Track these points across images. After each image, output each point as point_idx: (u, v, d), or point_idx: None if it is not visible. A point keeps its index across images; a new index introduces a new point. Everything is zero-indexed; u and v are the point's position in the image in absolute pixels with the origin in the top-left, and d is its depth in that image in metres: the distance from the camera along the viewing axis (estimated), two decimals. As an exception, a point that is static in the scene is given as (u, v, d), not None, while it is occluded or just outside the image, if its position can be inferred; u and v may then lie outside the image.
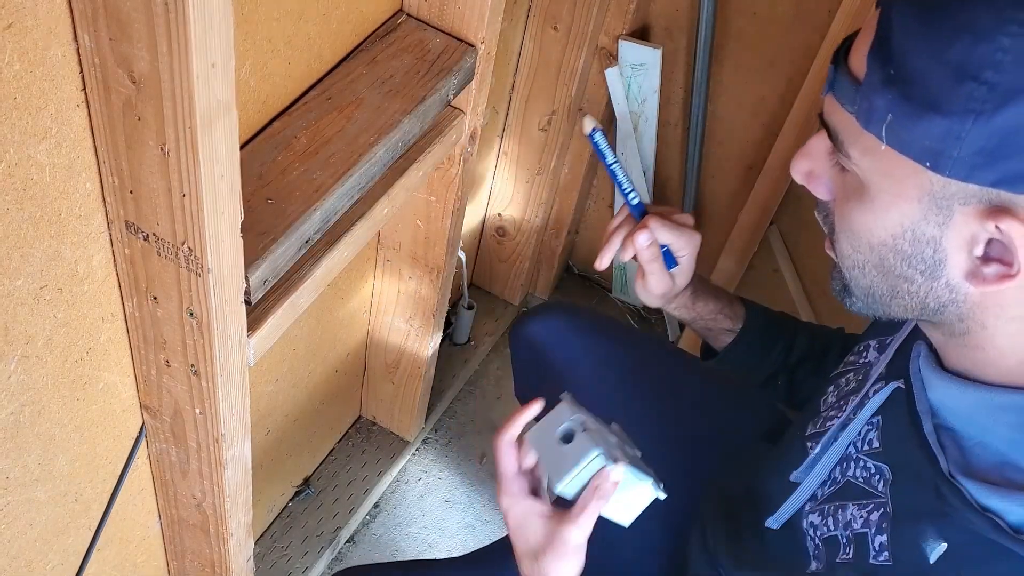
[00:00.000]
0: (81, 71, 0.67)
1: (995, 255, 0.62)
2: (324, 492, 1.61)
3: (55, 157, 0.70)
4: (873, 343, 0.91)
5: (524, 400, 1.37)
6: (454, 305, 1.83)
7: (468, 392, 1.84)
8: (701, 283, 1.07)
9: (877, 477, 0.79)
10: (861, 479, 0.80)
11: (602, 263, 1.01)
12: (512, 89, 1.60)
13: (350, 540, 1.62)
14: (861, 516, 0.79)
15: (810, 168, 0.72)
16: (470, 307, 1.81)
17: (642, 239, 0.98)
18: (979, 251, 0.62)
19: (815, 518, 0.85)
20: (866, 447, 0.81)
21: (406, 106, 1.01)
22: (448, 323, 1.80)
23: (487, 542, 1.65)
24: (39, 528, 0.93)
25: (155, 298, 0.82)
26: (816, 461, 0.85)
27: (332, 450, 1.67)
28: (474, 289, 1.94)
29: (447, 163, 1.20)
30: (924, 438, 0.72)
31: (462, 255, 1.58)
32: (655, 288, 1.02)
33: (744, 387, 1.26)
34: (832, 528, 0.82)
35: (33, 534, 0.93)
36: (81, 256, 0.78)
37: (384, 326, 1.50)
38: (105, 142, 0.71)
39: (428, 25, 1.08)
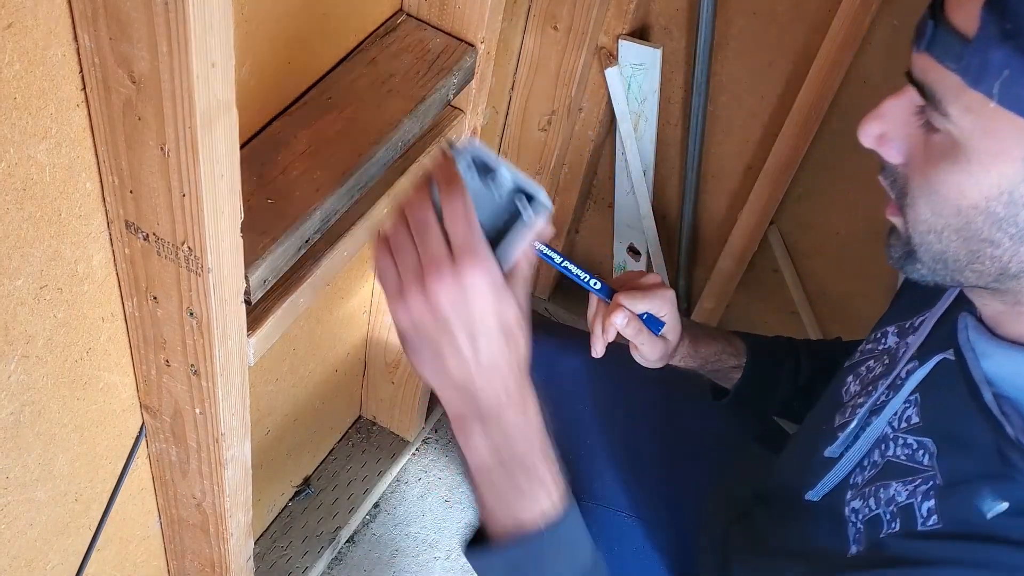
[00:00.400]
0: (81, 71, 0.67)
1: None
2: (324, 492, 1.61)
3: (55, 157, 0.70)
4: (891, 328, 0.90)
5: None
6: (454, 305, 1.82)
7: (468, 392, 1.84)
8: (696, 328, 1.08)
9: (921, 452, 0.78)
10: (903, 457, 0.79)
11: (597, 351, 1.01)
12: (512, 89, 1.60)
13: (350, 540, 1.62)
14: (906, 490, 0.77)
15: (883, 131, 0.70)
16: (470, 307, 1.80)
17: (619, 320, 0.98)
18: None
19: (856, 503, 0.83)
20: (904, 424, 0.81)
21: (406, 106, 1.01)
22: (448, 323, 1.80)
23: (487, 542, 1.65)
24: (39, 528, 0.93)
25: (155, 298, 0.82)
26: (853, 437, 0.84)
27: (332, 450, 1.66)
28: (474, 289, 1.93)
29: (447, 163, 1.20)
30: (985, 407, 0.71)
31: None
32: (651, 354, 1.02)
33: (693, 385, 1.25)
34: (874, 507, 0.80)
35: (33, 534, 0.93)
36: (81, 256, 0.78)
37: (384, 326, 1.50)
38: (105, 142, 0.71)
39: (428, 25, 1.08)
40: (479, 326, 0.66)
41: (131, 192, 0.74)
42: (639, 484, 1.15)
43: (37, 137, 0.67)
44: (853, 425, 0.85)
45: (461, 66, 1.06)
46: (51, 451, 0.88)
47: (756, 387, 1.10)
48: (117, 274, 0.83)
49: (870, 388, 0.86)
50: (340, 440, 1.68)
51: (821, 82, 1.41)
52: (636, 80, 1.56)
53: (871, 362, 0.90)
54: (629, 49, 1.53)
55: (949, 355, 0.77)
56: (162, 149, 0.68)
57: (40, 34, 0.63)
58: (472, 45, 1.08)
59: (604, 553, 0.81)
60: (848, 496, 0.84)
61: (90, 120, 0.70)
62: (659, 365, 1.05)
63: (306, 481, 1.61)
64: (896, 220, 0.73)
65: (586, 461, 1.16)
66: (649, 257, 1.84)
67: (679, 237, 1.79)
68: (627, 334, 0.99)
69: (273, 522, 1.56)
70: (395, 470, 1.69)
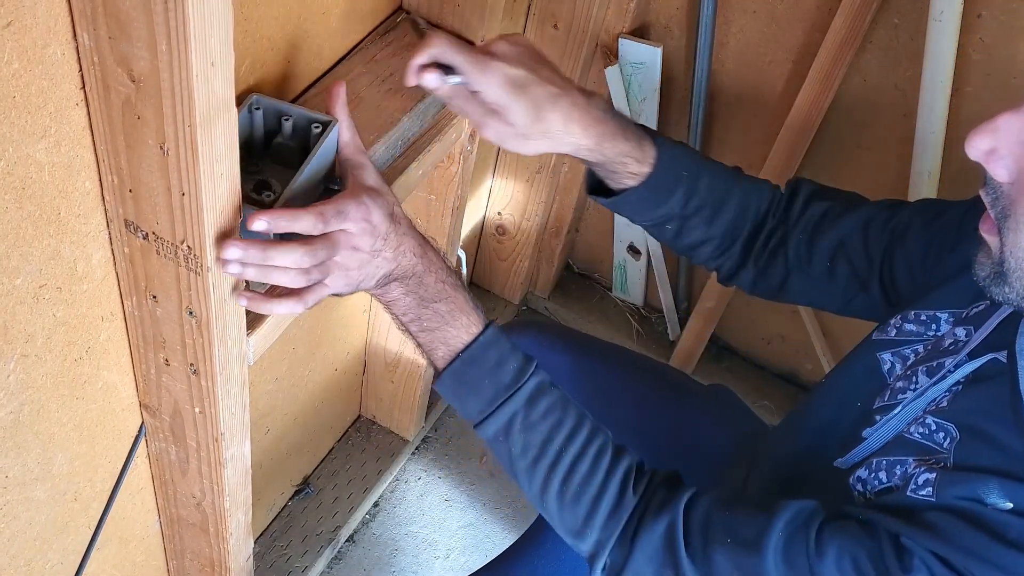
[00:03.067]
0: (80, 70, 0.67)
1: None
2: (324, 491, 1.61)
3: (54, 156, 0.70)
4: (944, 315, 0.88)
5: None
6: (454, 304, 1.82)
7: (468, 391, 1.84)
8: (609, 124, 0.93)
9: (941, 435, 0.79)
10: (918, 435, 0.81)
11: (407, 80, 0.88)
12: (512, 88, 1.60)
13: (350, 539, 1.62)
14: (919, 468, 0.79)
15: (994, 146, 0.69)
16: (470, 306, 1.81)
17: (428, 80, 0.86)
18: None
19: (863, 473, 0.84)
20: (931, 407, 0.81)
21: (406, 104, 1.01)
22: (448, 322, 1.80)
23: (487, 541, 1.65)
24: (38, 527, 0.93)
25: (154, 297, 0.82)
26: (889, 422, 0.85)
27: (332, 449, 1.66)
28: (474, 288, 1.94)
29: (447, 162, 1.20)
30: (1022, 420, 0.72)
31: (462, 254, 1.57)
32: (486, 134, 0.90)
33: (720, 396, 1.25)
34: (886, 480, 0.82)
35: (32, 533, 0.92)
36: (80, 255, 0.78)
37: (384, 325, 1.50)
38: (104, 141, 0.71)
39: (428, 23, 1.08)
40: (375, 238, 0.83)
41: (130, 191, 0.73)
42: None
43: (36, 136, 0.67)
44: (897, 411, 0.84)
45: (461, 65, 1.06)
46: (50, 450, 0.88)
47: (637, 204, 0.99)
48: (116, 273, 0.83)
49: (910, 373, 0.86)
50: (340, 439, 1.68)
51: (821, 81, 1.41)
52: (636, 79, 1.56)
53: (919, 347, 0.88)
54: (629, 48, 1.53)
55: (1001, 356, 0.77)
56: (162, 148, 0.68)
57: (39, 33, 0.63)
58: (473, 43, 1.08)
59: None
60: (864, 467, 0.85)
61: (89, 119, 0.70)
62: (526, 150, 0.91)
63: (306, 480, 1.61)
64: (991, 239, 0.72)
65: None
66: (649, 257, 1.84)
67: (679, 236, 1.79)
68: (438, 95, 0.89)
69: (273, 521, 1.56)
70: (395, 469, 1.69)
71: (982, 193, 0.72)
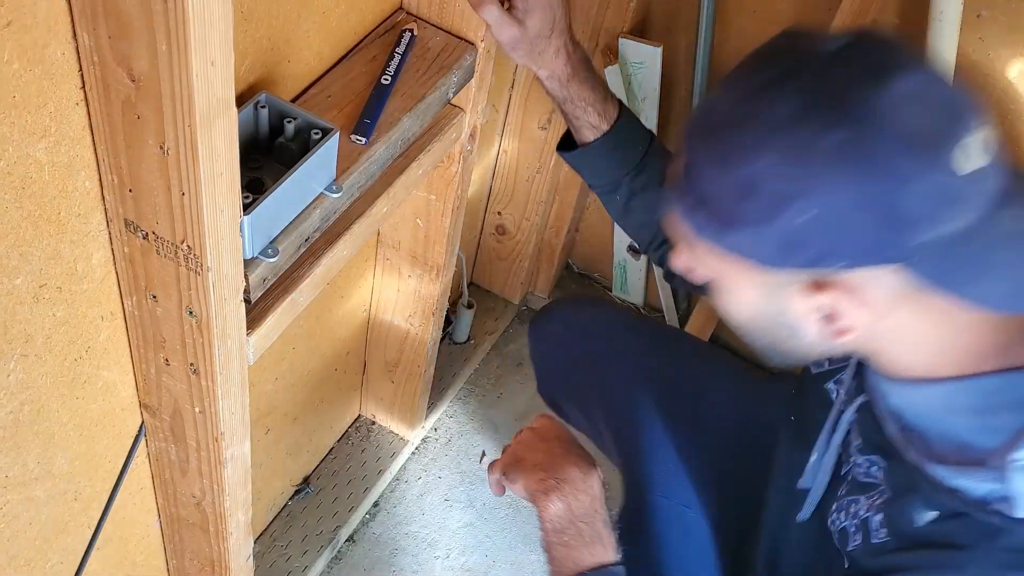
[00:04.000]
0: (80, 69, 0.67)
1: (828, 317, 0.72)
2: (324, 491, 1.61)
3: (54, 155, 0.70)
4: (835, 378, 0.96)
5: (548, 397, 1.36)
6: (454, 304, 1.82)
7: (468, 391, 1.84)
8: (584, 64, 1.02)
9: (875, 467, 0.85)
10: (861, 474, 0.87)
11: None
12: (512, 87, 1.60)
13: (350, 539, 1.62)
14: (867, 504, 0.84)
15: (687, 265, 0.80)
16: (470, 306, 1.81)
17: None
18: (821, 314, 0.72)
19: (835, 515, 0.89)
20: (855, 444, 0.89)
21: (406, 104, 1.01)
22: (448, 322, 1.80)
23: (487, 541, 1.65)
24: (38, 527, 0.93)
25: (154, 297, 0.82)
26: (815, 469, 0.94)
27: (332, 449, 1.66)
28: (474, 288, 1.94)
29: (447, 161, 1.20)
30: (887, 439, 0.81)
31: (461, 253, 1.58)
32: (499, 35, 0.96)
33: (758, 377, 1.28)
34: (844, 520, 0.87)
35: (32, 533, 0.92)
36: (80, 255, 0.78)
37: (384, 325, 1.50)
38: (104, 140, 0.71)
39: (428, 23, 1.08)
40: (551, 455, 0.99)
41: (130, 191, 0.74)
42: (706, 480, 1.14)
43: (36, 136, 0.67)
44: (814, 459, 0.94)
45: (461, 64, 1.06)
46: (50, 450, 0.88)
47: (593, 160, 1.08)
48: (116, 273, 0.83)
49: (816, 426, 0.94)
50: (340, 439, 1.68)
51: (821, 81, 1.41)
52: (636, 79, 1.56)
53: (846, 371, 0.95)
54: (629, 48, 1.53)
55: (865, 397, 0.86)
56: (161, 148, 0.68)
57: (39, 32, 0.63)
58: (472, 43, 1.08)
59: (672, 549, 0.97)
60: (832, 507, 0.91)
61: (89, 119, 0.70)
62: (523, 60, 1.00)
63: (306, 480, 1.61)
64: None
65: (651, 452, 1.16)
66: (649, 257, 1.84)
67: (679, 236, 1.79)
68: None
69: (273, 521, 1.56)
70: (395, 469, 1.69)
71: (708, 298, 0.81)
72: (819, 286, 0.70)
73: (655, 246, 1.12)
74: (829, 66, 0.67)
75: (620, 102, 1.07)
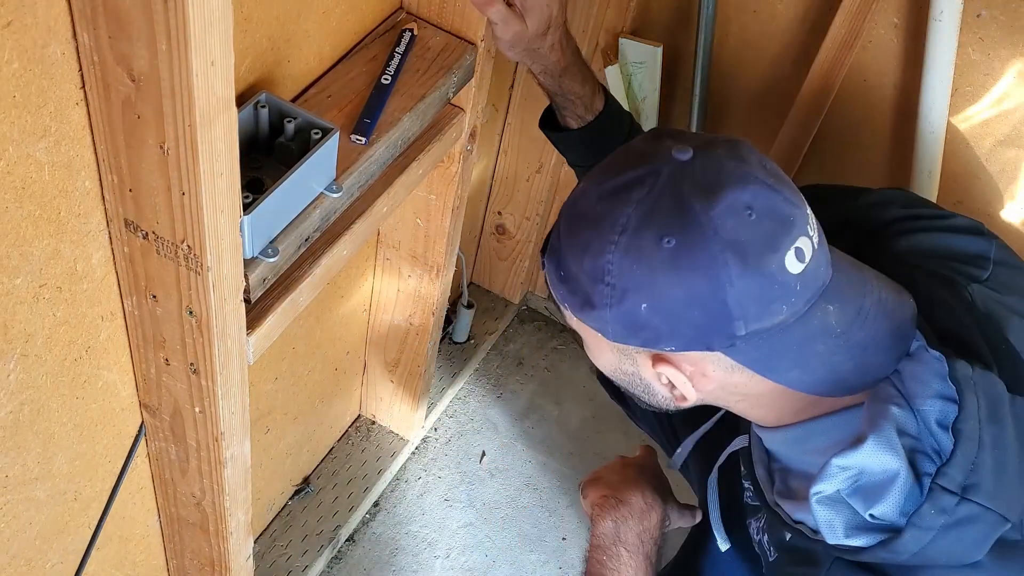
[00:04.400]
0: (80, 69, 0.67)
1: (671, 384, 0.82)
2: (324, 491, 1.61)
3: (54, 155, 0.70)
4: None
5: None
6: (454, 304, 1.82)
7: (468, 391, 1.84)
8: (576, 58, 1.08)
9: (749, 494, 0.98)
10: (747, 498, 0.99)
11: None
12: (512, 87, 1.60)
13: (350, 539, 1.62)
14: (756, 527, 0.97)
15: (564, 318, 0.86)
16: (470, 305, 1.81)
17: None
18: (664, 380, 0.82)
19: (756, 535, 0.98)
20: (742, 468, 0.98)
21: (406, 104, 1.01)
22: (448, 321, 1.80)
23: (487, 540, 1.65)
24: (38, 527, 0.93)
25: (154, 296, 0.82)
26: (708, 497, 1.07)
27: (332, 448, 1.66)
28: (474, 287, 1.93)
29: (447, 161, 1.20)
30: (755, 478, 0.91)
31: (461, 253, 1.58)
32: (503, 33, 1.01)
33: None
34: (757, 535, 0.97)
35: (32, 532, 0.92)
36: (80, 254, 0.78)
37: (384, 324, 1.50)
38: (104, 140, 0.71)
39: (428, 23, 1.08)
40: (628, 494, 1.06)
41: (130, 190, 0.73)
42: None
43: (36, 135, 0.67)
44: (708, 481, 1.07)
45: (461, 64, 1.06)
46: (50, 450, 0.88)
47: (575, 146, 1.15)
48: (116, 273, 0.83)
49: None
50: (340, 439, 1.68)
51: (821, 81, 1.41)
52: (636, 78, 1.56)
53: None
54: (629, 47, 1.52)
55: (746, 440, 0.95)
56: (161, 147, 0.68)
57: (39, 32, 0.63)
58: (472, 43, 1.08)
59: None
60: (751, 527, 1.00)
61: (89, 118, 0.70)
62: (519, 57, 1.05)
63: (306, 480, 1.61)
64: None
65: None
66: (649, 256, 1.84)
67: (679, 236, 1.78)
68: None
69: (273, 521, 1.56)
70: (395, 469, 1.69)
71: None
72: (658, 360, 0.80)
73: None
74: (675, 176, 0.75)
75: (605, 92, 1.13)
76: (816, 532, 0.79)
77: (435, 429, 1.77)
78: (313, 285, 0.96)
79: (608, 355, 0.84)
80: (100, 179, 0.75)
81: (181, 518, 1.10)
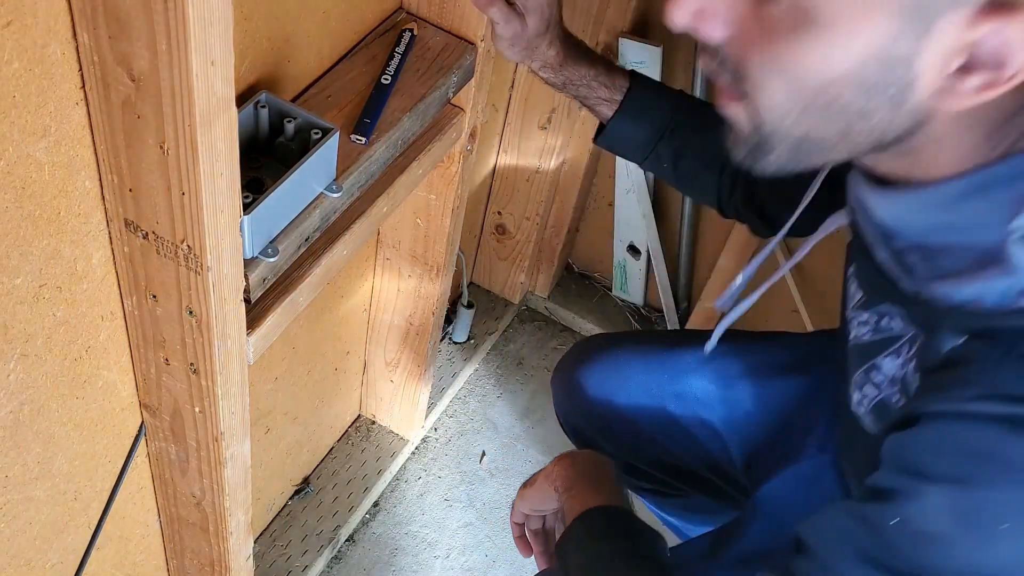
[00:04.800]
0: (80, 69, 0.67)
1: (978, 64, 0.55)
2: (324, 491, 1.61)
3: (54, 155, 0.70)
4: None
5: (571, 430, 1.32)
6: (454, 303, 1.82)
7: (468, 391, 1.84)
8: (574, 48, 1.03)
9: (886, 319, 0.76)
10: (867, 332, 0.78)
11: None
12: (512, 87, 1.60)
13: (350, 539, 1.62)
14: (894, 363, 0.74)
15: (700, 6, 0.61)
16: (470, 305, 1.81)
17: None
18: (958, 63, 0.55)
19: (856, 396, 0.81)
20: (853, 303, 0.81)
21: (406, 104, 1.01)
22: (448, 321, 1.80)
23: (487, 541, 1.65)
24: (38, 526, 0.93)
25: (154, 296, 0.82)
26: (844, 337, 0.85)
27: (331, 448, 1.66)
28: (474, 287, 1.94)
29: (447, 161, 1.20)
30: (880, 266, 0.70)
31: (461, 253, 1.58)
32: (504, 31, 0.96)
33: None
34: (872, 394, 0.78)
35: (32, 532, 0.92)
36: (80, 254, 0.78)
37: (384, 324, 1.50)
38: (104, 140, 0.71)
39: (428, 23, 1.08)
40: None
41: (130, 190, 0.74)
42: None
43: (36, 135, 0.67)
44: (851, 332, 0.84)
45: (461, 64, 1.06)
46: (50, 450, 0.88)
47: (628, 129, 1.06)
48: (116, 272, 0.83)
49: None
50: (340, 439, 1.68)
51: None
52: (636, 79, 1.56)
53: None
54: (630, 47, 1.53)
55: (842, 217, 0.76)
56: (161, 147, 0.68)
57: (39, 32, 0.63)
58: (472, 43, 1.08)
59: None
60: (851, 395, 0.81)
61: (89, 118, 0.70)
62: (517, 57, 1.00)
63: (306, 480, 1.61)
64: (735, 110, 0.65)
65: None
66: (649, 256, 1.84)
67: (679, 237, 1.79)
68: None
69: (273, 521, 1.56)
70: (395, 469, 1.69)
71: (703, 66, 0.66)
72: (995, 10, 0.52)
73: (727, 199, 1.07)
74: None
75: (631, 72, 1.06)
76: (999, 307, 0.60)
77: (435, 429, 1.77)
78: (313, 285, 0.96)
79: (876, 29, 0.55)
80: (100, 179, 0.75)
81: (181, 518, 1.10)
